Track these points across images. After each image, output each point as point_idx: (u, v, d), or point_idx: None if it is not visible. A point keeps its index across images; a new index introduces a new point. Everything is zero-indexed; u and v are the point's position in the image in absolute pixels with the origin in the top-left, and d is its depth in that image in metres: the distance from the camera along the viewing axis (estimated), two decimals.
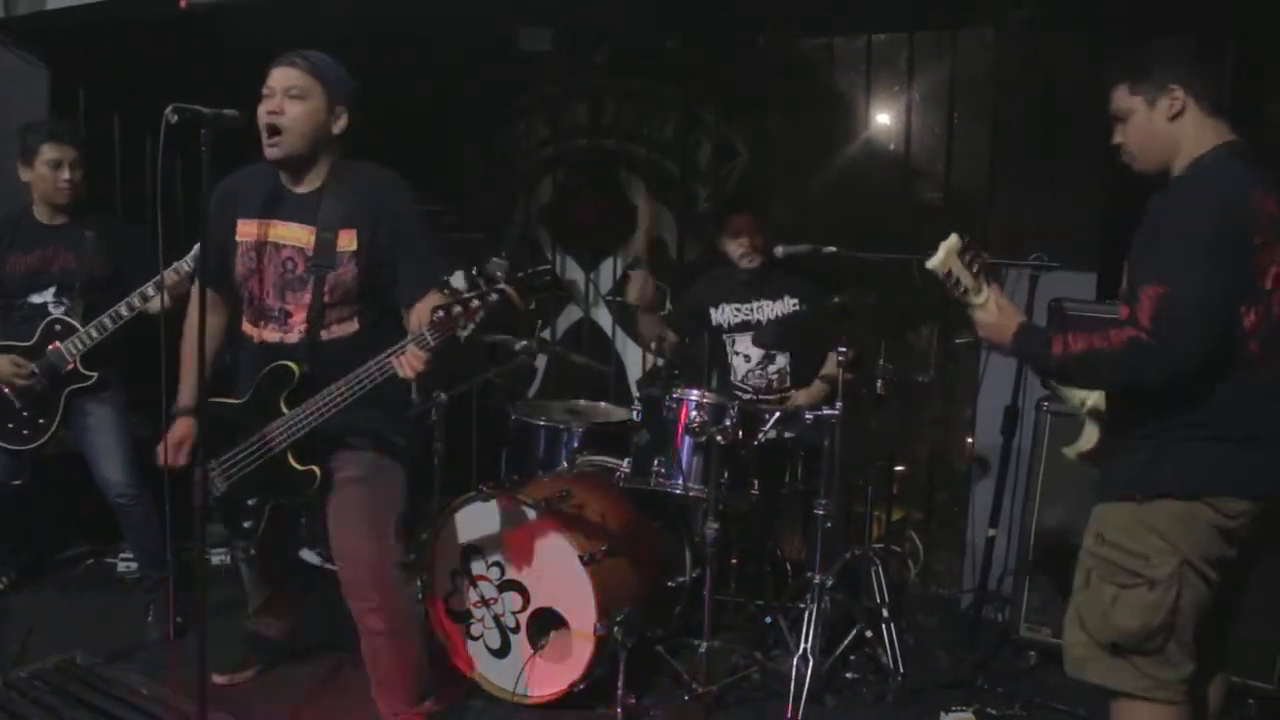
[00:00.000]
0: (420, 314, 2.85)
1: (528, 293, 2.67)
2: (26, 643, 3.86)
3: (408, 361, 2.69)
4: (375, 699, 3.17)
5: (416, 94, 5.53)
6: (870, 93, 4.87)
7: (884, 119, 4.93)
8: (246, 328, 3.08)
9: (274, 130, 2.85)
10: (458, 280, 2.63)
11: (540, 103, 5.81)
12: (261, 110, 2.85)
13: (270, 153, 2.88)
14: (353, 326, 2.98)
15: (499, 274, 2.60)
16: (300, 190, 2.97)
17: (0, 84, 4.88)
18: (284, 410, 2.94)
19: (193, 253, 3.57)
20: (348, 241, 2.90)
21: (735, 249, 4.11)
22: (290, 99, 2.86)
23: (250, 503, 3.08)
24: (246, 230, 2.99)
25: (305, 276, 2.93)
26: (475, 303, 2.58)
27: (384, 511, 3.07)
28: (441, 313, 2.60)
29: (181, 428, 3.15)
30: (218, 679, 3.49)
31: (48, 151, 3.84)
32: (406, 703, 3.15)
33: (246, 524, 3.11)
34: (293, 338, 2.97)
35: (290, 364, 2.94)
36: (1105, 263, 4.11)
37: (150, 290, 3.72)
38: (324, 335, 2.95)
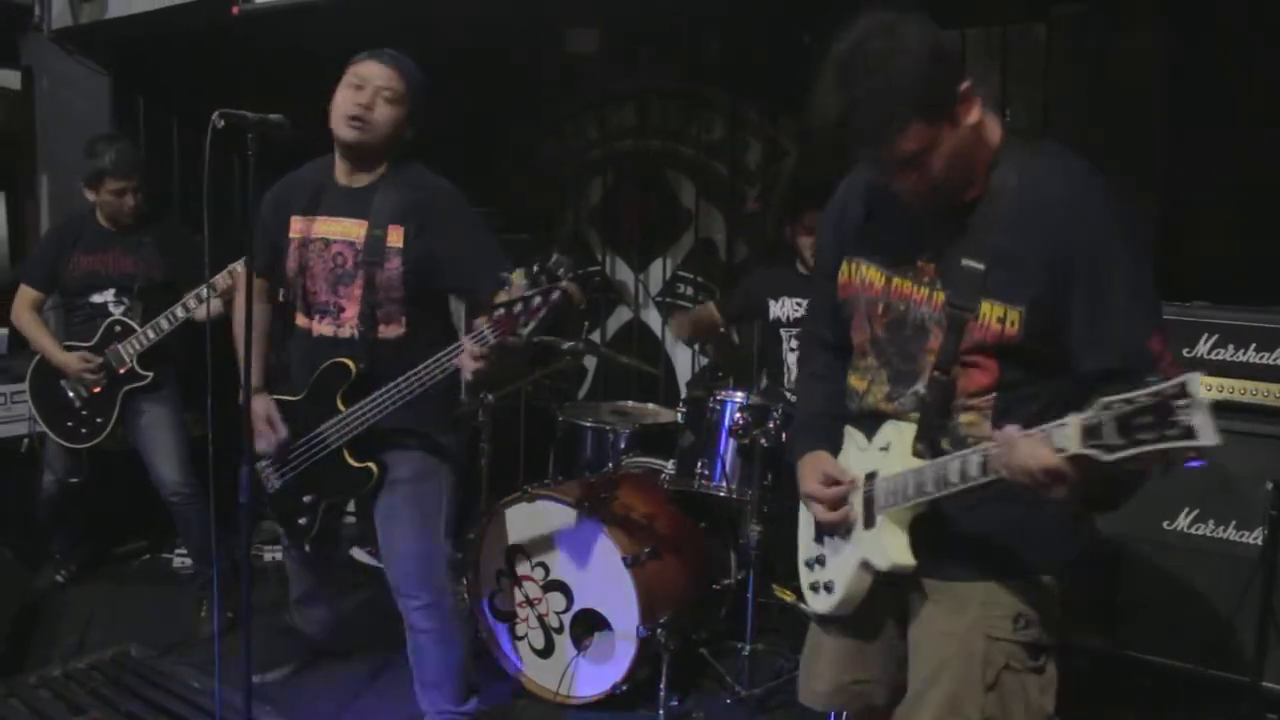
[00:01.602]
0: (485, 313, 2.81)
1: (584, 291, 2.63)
2: (84, 635, 3.96)
3: (469, 354, 2.66)
4: (419, 698, 3.18)
5: (464, 95, 5.57)
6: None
7: None
8: (300, 320, 3.09)
9: (361, 121, 2.86)
10: (518, 278, 2.58)
11: (588, 104, 5.82)
12: (348, 99, 2.86)
13: (347, 134, 2.87)
14: (400, 329, 2.97)
15: (561, 270, 2.55)
16: (354, 185, 2.98)
17: (65, 90, 5.03)
18: (341, 408, 2.95)
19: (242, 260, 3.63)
20: (395, 238, 2.90)
21: (807, 244, 4.03)
22: (383, 99, 2.88)
23: (305, 499, 3.11)
24: (298, 226, 3.01)
25: (353, 271, 2.93)
26: (537, 300, 2.53)
27: (432, 511, 3.09)
28: (502, 310, 2.56)
29: (260, 405, 3.06)
30: (260, 678, 3.53)
31: (111, 183, 3.95)
32: (450, 701, 3.16)
33: (301, 520, 3.13)
34: (346, 332, 2.98)
35: (347, 361, 2.94)
36: (1162, 262, 4.02)
37: (191, 302, 3.82)
38: (376, 328, 2.95)
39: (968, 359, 1.94)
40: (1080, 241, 1.81)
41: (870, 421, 2.12)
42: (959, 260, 1.92)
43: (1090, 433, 1.57)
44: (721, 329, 4.49)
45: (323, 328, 3.01)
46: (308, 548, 3.40)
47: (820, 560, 2.22)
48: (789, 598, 3.67)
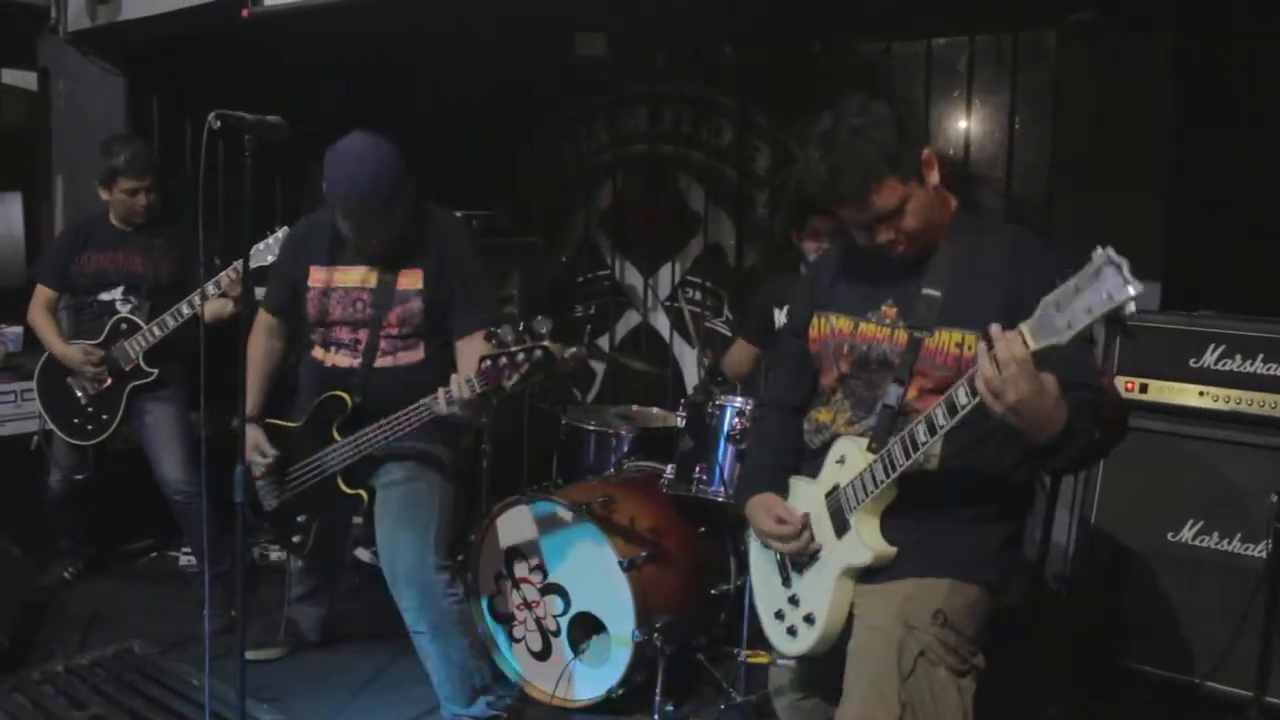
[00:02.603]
0: (469, 356, 3.00)
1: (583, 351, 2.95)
2: (88, 631, 3.99)
3: (453, 392, 2.85)
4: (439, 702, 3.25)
5: (474, 99, 5.60)
6: (929, 97, 4.78)
7: (943, 124, 4.85)
8: (316, 352, 3.23)
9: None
10: (505, 333, 2.77)
11: (599, 108, 5.83)
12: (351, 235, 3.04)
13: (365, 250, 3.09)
14: (418, 355, 3.14)
15: (544, 330, 2.74)
16: None
17: (81, 92, 5.08)
18: (336, 438, 3.12)
19: (236, 264, 3.68)
20: (411, 280, 3.08)
21: (812, 251, 4.02)
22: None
23: (300, 519, 3.29)
24: (318, 276, 3.17)
25: (369, 316, 3.10)
26: (520, 357, 2.73)
27: (425, 514, 3.17)
28: (489, 363, 2.76)
29: (250, 435, 3.24)
30: (250, 655, 3.53)
31: (124, 182, 3.99)
32: (455, 702, 3.20)
33: (296, 538, 3.32)
34: (357, 362, 3.15)
35: (344, 395, 3.12)
36: (1169, 271, 4.01)
37: (211, 289, 3.84)
38: (386, 363, 3.13)
39: (925, 384, 2.15)
40: (1026, 278, 2.03)
41: (824, 455, 2.29)
42: (919, 291, 2.16)
43: (1038, 329, 1.75)
44: (759, 355, 4.43)
45: (338, 359, 3.18)
46: (302, 561, 3.67)
47: (793, 600, 2.34)
48: (765, 659, 3.65)
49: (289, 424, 3.27)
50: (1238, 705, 3.37)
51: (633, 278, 5.79)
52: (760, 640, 3.66)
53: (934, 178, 2.15)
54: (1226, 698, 3.42)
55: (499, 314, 3.15)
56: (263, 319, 3.35)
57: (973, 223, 2.22)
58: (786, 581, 2.36)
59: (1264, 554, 3.36)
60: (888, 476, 2.10)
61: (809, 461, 2.34)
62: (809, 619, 2.28)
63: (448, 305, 3.10)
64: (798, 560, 2.32)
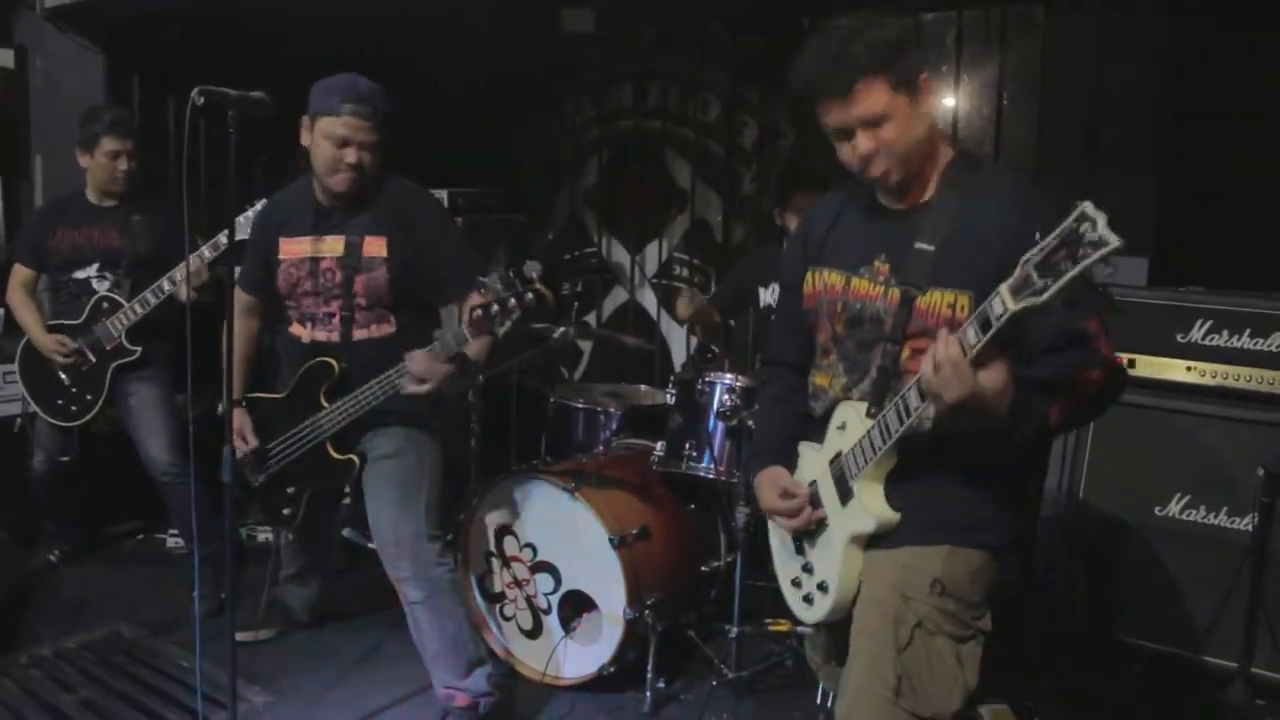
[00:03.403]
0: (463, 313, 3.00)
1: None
2: (76, 614, 3.97)
3: (407, 379, 2.91)
4: (431, 676, 3.22)
5: (460, 75, 5.55)
6: None
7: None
8: (295, 329, 3.21)
9: (358, 171, 3.01)
10: (494, 281, 2.74)
11: (586, 84, 5.79)
12: (333, 157, 2.98)
13: (340, 187, 3.04)
14: (389, 328, 3.13)
15: (534, 274, 2.75)
16: (332, 204, 3.12)
17: (59, 69, 5.02)
18: (324, 404, 3.11)
19: (217, 238, 3.65)
20: (377, 249, 3.06)
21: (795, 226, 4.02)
22: (368, 149, 3.00)
23: (289, 491, 3.28)
24: (289, 249, 3.15)
25: (340, 283, 3.09)
26: (512, 302, 2.71)
27: (415, 484, 3.16)
28: (479, 312, 2.74)
29: (236, 419, 3.25)
30: (240, 636, 3.53)
31: (107, 143, 3.92)
32: (452, 675, 3.17)
33: (286, 510, 3.31)
34: (336, 336, 3.13)
35: (330, 360, 3.10)
36: (1158, 246, 4.01)
37: (165, 285, 3.82)
38: (360, 334, 3.11)
39: (918, 345, 2.07)
40: (1022, 234, 1.89)
41: (828, 420, 2.25)
42: (912, 245, 2.09)
43: (1018, 288, 1.72)
44: (718, 323, 4.44)
45: (316, 334, 3.16)
46: (292, 535, 3.65)
47: (807, 568, 2.33)
48: (785, 627, 3.67)
49: (272, 395, 3.25)
50: (1224, 676, 3.41)
51: (619, 255, 5.78)
52: (756, 612, 3.75)
53: (927, 104, 2.07)
54: (1213, 669, 3.45)
55: (478, 272, 3.04)
56: (240, 298, 3.31)
57: (969, 173, 2.14)
58: (800, 550, 2.35)
59: (1250, 527, 3.39)
60: (885, 442, 2.07)
61: (815, 428, 2.31)
62: (822, 587, 2.27)
63: (422, 276, 3.08)
64: (807, 530, 2.30)
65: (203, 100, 2.52)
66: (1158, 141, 4.17)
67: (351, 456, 3.14)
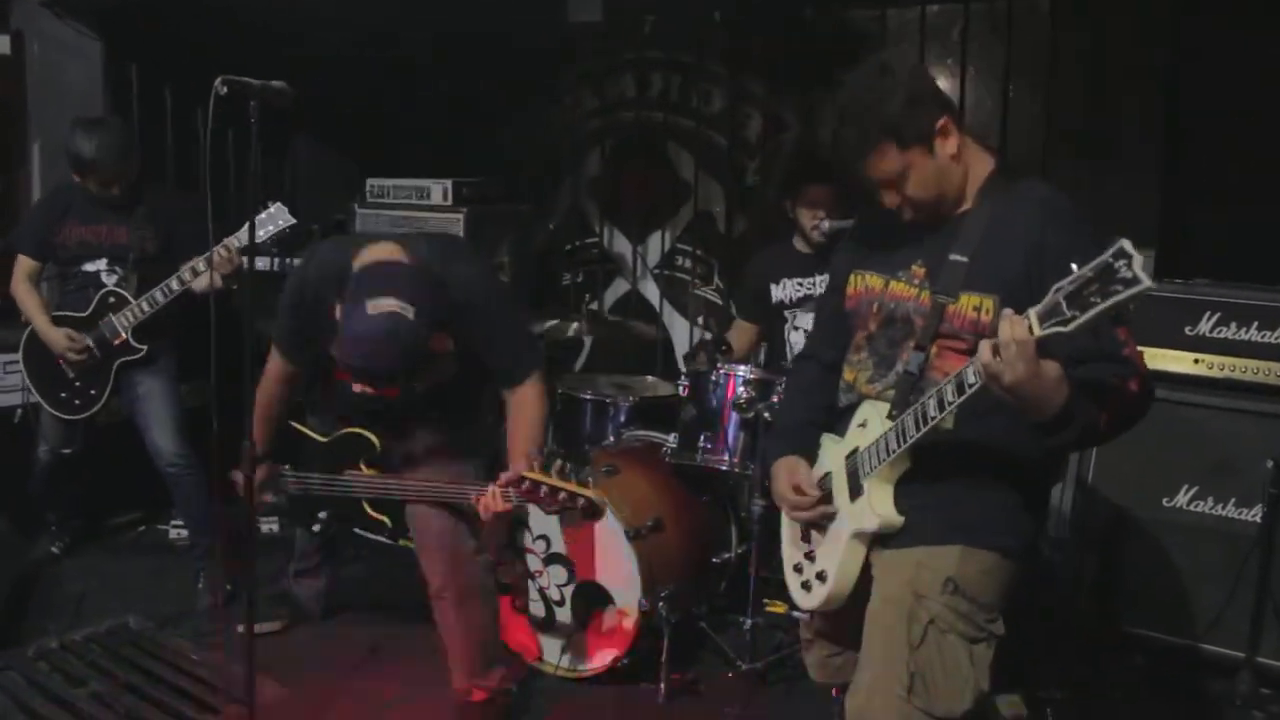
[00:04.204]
0: (520, 413, 2.94)
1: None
2: (80, 606, 3.94)
3: (486, 504, 2.82)
4: (451, 673, 3.20)
5: (464, 64, 5.52)
6: (923, 65, 4.76)
7: None
8: (343, 375, 2.95)
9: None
10: (552, 461, 2.74)
11: (587, 74, 5.76)
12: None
13: None
14: (443, 378, 2.98)
15: (590, 480, 2.74)
16: None
17: (57, 56, 4.95)
18: (363, 469, 3.11)
19: (241, 231, 3.59)
20: (442, 344, 2.80)
21: (808, 220, 3.99)
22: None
23: (320, 515, 3.30)
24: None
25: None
26: (563, 495, 2.71)
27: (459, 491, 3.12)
28: (528, 484, 2.72)
29: (262, 473, 3.08)
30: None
31: (97, 174, 3.85)
32: (473, 673, 3.16)
33: (315, 527, 3.35)
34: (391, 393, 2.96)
35: (370, 439, 3.10)
36: (1164, 240, 4.04)
37: (200, 265, 3.77)
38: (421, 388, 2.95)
39: (946, 344, 2.15)
40: (1050, 246, 2.03)
41: (851, 414, 2.30)
42: (947, 256, 2.15)
43: (1046, 315, 1.75)
44: (760, 331, 4.41)
45: (367, 387, 2.96)
46: (308, 540, 3.69)
47: (809, 556, 2.39)
48: (781, 610, 3.69)
49: (315, 435, 3.23)
50: (1231, 667, 3.44)
51: (621, 246, 5.75)
52: (765, 596, 3.77)
53: (949, 146, 2.13)
54: (1220, 659, 3.49)
55: (538, 351, 3.13)
56: (275, 365, 3.13)
57: (1006, 185, 2.19)
58: (806, 538, 2.42)
59: (1258, 518, 3.43)
60: (900, 446, 2.11)
61: (840, 420, 2.35)
62: (821, 576, 2.33)
63: (478, 351, 2.94)
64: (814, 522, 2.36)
65: (226, 90, 2.49)
66: (1162, 134, 4.19)
67: (385, 519, 3.13)
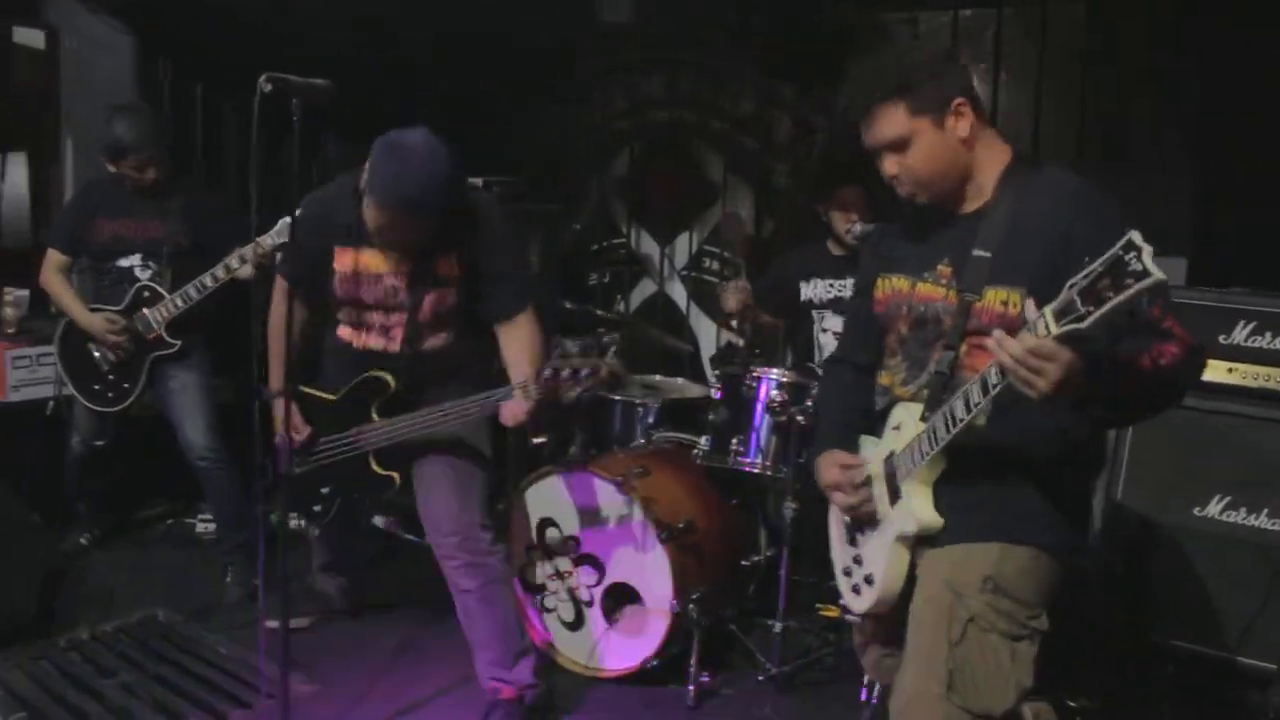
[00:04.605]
0: (512, 344, 3.02)
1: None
2: (110, 598, 3.96)
3: (511, 412, 2.84)
4: (476, 667, 3.20)
5: (495, 61, 5.52)
6: (957, 51, 4.73)
7: None
8: (344, 333, 3.18)
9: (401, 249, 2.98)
10: (570, 345, 2.72)
11: (617, 74, 5.76)
12: (385, 232, 2.91)
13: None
14: (445, 339, 3.12)
15: (613, 350, 2.72)
16: None
17: (90, 51, 4.99)
18: (374, 417, 3.09)
19: (278, 226, 3.60)
20: (448, 269, 3.02)
21: (841, 223, 3.98)
22: (415, 235, 2.93)
23: (323, 490, 3.26)
24: (345, 259, 3.08)
25: (405, 301, 3.05)
26: (585, 372, 2.71)
27: (469, 475, 3.17)
28: (549, 373, 2.72)
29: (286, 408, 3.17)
30: (274, 623, 3.53)
31: (131, 159, 3.87)
32: (499, 665, 3.16)
33: (315, 508, 3.30)
34: (394, 348, 3.11)
35: (386, 377, 3.08)
36: (1198, 246, 4.01)
37: (234, 262, 3.80)
38: (423, 345, 3.09)
39: (975, 340, 2.13)
40: (1078, 236, 2.00)
41: (886, 418, 2.31)
42: (970, 253, 2.14)
43: (1061, 313, 1.75)
44: (768, 323, 4.43)
45: (370, 340, 3.14)
46: (318, 530, 3.64)
47: (857, 560, 2.39)
48: (834, 614, 3.69)
49: (324, 394, 3.22)
50: (1264, 678, 3.41)
51: (648, 246, 5.75)
52: (795, 607, 3.76)
53: (960, 128, 2.11)
54: (1252, 671, 3.45)
55: (535, 295, 3.11)
56: (281, 285, 3.27)
57: (1027, 175, 2.17)
58: (852, 541, 2.42)
59: None
60: (932, 448, 2.11)
61: (877, 423, 2.36)
62: (869, 580, 2.33)
63: (480, 292, 3.06)
64: (861, 521, 2.36)
65: (270, 87, 2.51)
66: (1196, 140, 4.17)
67: (393, 474, 3.13)
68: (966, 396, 2.00)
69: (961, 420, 2.02)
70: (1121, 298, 1.64)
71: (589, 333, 2.76)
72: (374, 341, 3.13)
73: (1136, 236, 1.62)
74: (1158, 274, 1.60)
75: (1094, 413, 2.01)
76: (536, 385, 2.76)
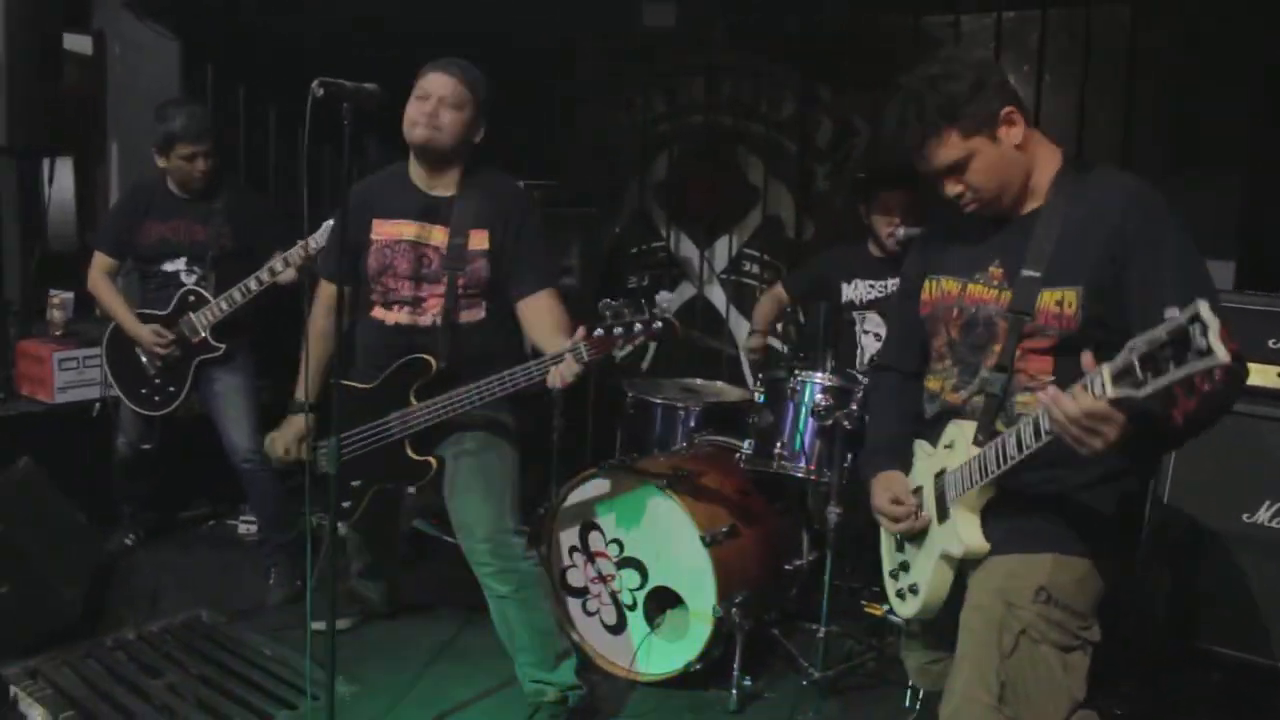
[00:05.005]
0: (534, 317, 3.02)
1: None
2: (155, 599, 4.00)
3: (561, 373, 2.78)
4: (516, 669, 3.21)
5: (536, 65, 5.54)
6: (992, 55, 4.70)
7: None
8: (377, 313, 3.19)
9: (427, 127, 3.00)
10: (620, 304, 2.69)
11: (657, 78, 5.77)
12: (416, 109, 3.00)
13: (417, 137, 3.01)
14: (480, 314, 3.13)
15: (667, 305, 2.70)
16: (435, 193, 3.11)
17: (135, 56, 5.04)
18: (413, 401, 3.07)
19: (323, 229, 3.63)
20: (480, 241, 3.07)
21: (884, 226, 3.96)
22: (448, 106, 3.00)
23: (354, 484, 3.22)
24: (383, 229, 3.13)
25: (439, 272, 3.08)
26: (638, 327, 2.67)
27: (500, 479, 3.16)
28: (601, 331, 2.68)
29: (298, 424, 3.27)
30: (316, 625, 3.55)
31: (182, 148, 3.91)
32: (540, 669, 3.16)
33: (345, 504, 3.23)
34: (426, 320, 3.11)
35: (429, 359, 3.06)
36: (1245, 250, 3.97)
37: (278, 265, 3.83)
38: (461, 319, 3.10)
39: (1029, 344, 2.13)
40: (1131, 230, 2.02)
41: (940, 424, 2.29)
42: (1020, 270, 2.13)
43: (1120, 376, 1.71)
44: (789, 308, 4.45)
45: (400, 316, 3.14)
46: (353, 531, 3.59)
47: (904, 566, 2.39)
48: (879, 612, 3.68)
49: (360, 385, 3.18)
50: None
51: (688, 249, 5.75)
52: (836, 611, 3.74)
53: (1013, 135, 2.12)
54: None
55: (558, 273, 3.11)
56: (324, 292, 3.30)
57: (1078, 176, 2.16)
58: (900, 547, 2.42)
59: None
60: (983, 478, 2.10)
61: (929, 429, 2.35)
62: (914, 589, 2.33)
63: (508, 267, 3.09)
64: (909, 536, 2.36)
65: (322, 92, 2.53)
66: (1244, 143, 4.12)
67: (430, 459, 3.11)
68: (1020, 437, 1.98)
69: (1013, 459, 2.01)
70: (1181, 374, 1.60)
71: (649, 294, 2.75)
72: (404, 317, 3.12)
73: (1204, 309, 1.55)
74: (1222, 356, 1.54)
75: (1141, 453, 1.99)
76: (588, 344, 2.71)
